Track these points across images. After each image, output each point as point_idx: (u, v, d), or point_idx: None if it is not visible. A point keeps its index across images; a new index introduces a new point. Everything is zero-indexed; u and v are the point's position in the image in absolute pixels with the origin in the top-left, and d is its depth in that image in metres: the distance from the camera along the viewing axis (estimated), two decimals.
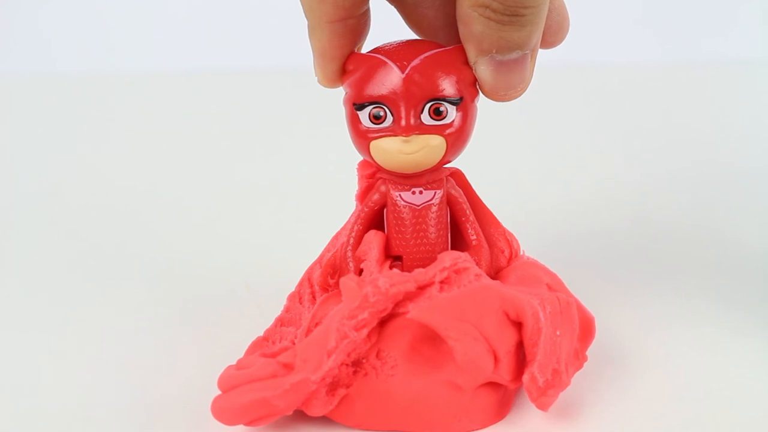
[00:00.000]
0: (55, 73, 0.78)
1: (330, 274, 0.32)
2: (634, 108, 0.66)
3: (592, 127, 0.62)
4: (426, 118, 0.29)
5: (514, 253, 0.32)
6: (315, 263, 0.34)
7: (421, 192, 0.30)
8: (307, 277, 0.33)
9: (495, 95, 0.29)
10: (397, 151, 0.29)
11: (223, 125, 0.65)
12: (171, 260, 0.43)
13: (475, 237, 0.31)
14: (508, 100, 0.29)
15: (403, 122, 0.28)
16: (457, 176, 0.32)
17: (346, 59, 0.30)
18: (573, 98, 0.69)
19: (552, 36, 0.31)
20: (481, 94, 0.30)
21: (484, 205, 0.32)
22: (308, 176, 0.54)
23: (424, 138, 0.29)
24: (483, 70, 0.29)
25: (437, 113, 0.29)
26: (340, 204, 0.49)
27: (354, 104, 0.29)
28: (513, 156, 0.56)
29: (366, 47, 0.31)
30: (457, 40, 0.29)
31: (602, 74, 0.74)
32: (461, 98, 0.29)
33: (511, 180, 0.51)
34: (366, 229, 0.31)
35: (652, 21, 0.79)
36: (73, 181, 0.54)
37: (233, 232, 0.46)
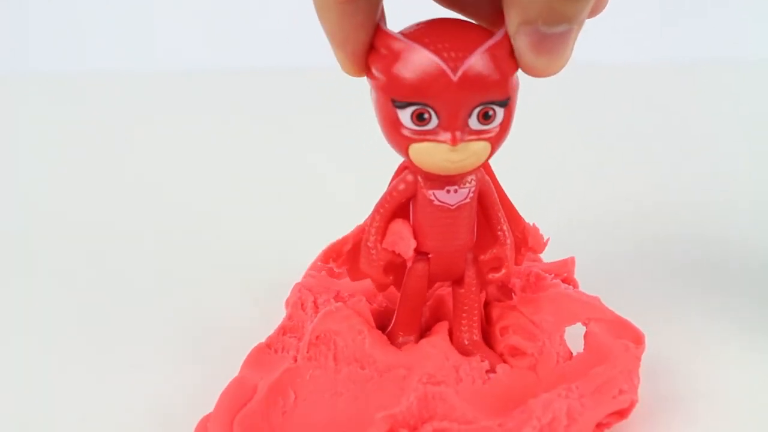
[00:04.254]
0: (54, 72, 0.77)
1: (333, 258, 0.31)
2: (671, 111, 0.65)
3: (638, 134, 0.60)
4: (474, 122, 0.26)
5: (530, 250, 0.31)
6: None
7: (456, 191, 0.28)
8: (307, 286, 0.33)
9: (531, 69, 0.26)
10: (442, 159, 0.27)
11: (222, 126, 0.64)
12: (171, 261, 0.43)
13: (502, 234, 0.30)
14: (544, 77, 0.26)
15: (449, 135, 0.26)
16: (485, 166, 0.30)
17: (375, 36, 0.26)
18: (578, 99, 0.68)
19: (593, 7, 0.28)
20: None
21: (507, 197, 0.31)
22: (309, 176, 0.54)
23: (472, 146, 0.26)
24: (523, 40, 0.25)
25: (486, 117, 0.26)
26: (340, 203, 0.49)
27: (393, 100, 0.26)
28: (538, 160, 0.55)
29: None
30: (484, 11, 0.27)
31: (610, 74, 0.73)
32: (509, 98, 0.26)
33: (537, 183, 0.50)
34: (389, 220, 0.29)
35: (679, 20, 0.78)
36: (70, 183, 0.54)
37: (233, 233, 0.46)
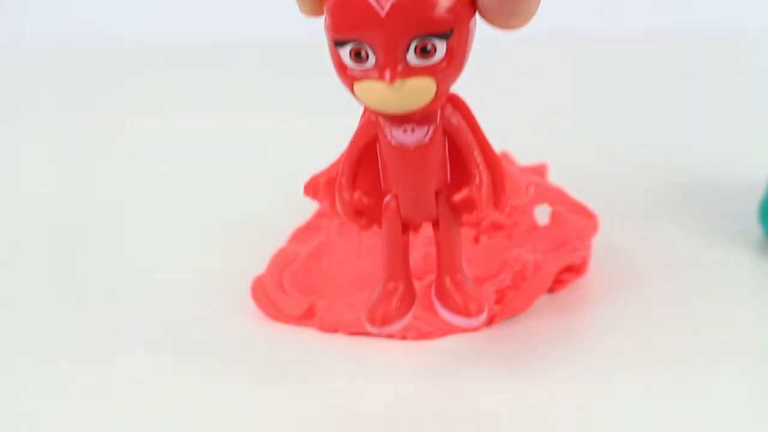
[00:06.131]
0: (46, 42, 0.76)
1: (311, 193, 0.31)
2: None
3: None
4: (412, 58, 0.25)
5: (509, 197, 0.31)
6: None
7: (413, 130, 0.28)
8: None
9: (494, 17, 0.25)
10: (382, 98, 0.26)
11: (217, 106, 0.63)
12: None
13: (474, 175, 0.28)
14: (507, 29, 0.26)
15: (387, 73, 0.25)
16: (455, 102, 0.28)
17: None
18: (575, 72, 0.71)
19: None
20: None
21: (485, 141, 0.29)
22: (305, 156, 0.47)
23: (411, 83, 0.26)
24: None
25: (424, 52, 0.25)
26: None
27: (334, 40, 0.26)
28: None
29: None
30: None
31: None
32: (451, 30, 0.25)
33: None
34: (356, 163, 0.29)
35: None
36: (70, 176, 0.53)
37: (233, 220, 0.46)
